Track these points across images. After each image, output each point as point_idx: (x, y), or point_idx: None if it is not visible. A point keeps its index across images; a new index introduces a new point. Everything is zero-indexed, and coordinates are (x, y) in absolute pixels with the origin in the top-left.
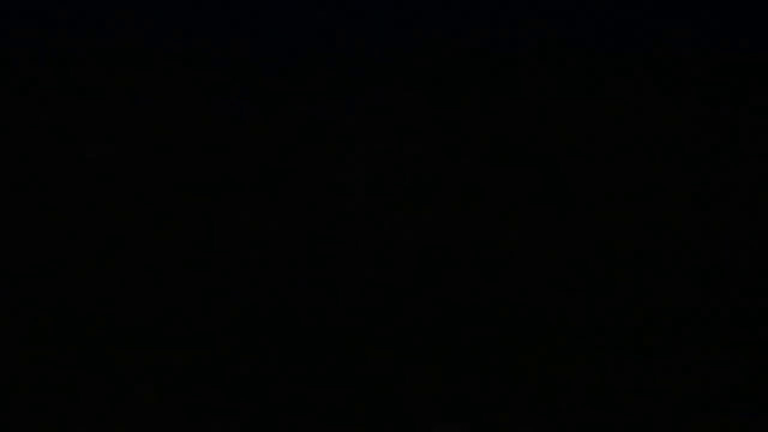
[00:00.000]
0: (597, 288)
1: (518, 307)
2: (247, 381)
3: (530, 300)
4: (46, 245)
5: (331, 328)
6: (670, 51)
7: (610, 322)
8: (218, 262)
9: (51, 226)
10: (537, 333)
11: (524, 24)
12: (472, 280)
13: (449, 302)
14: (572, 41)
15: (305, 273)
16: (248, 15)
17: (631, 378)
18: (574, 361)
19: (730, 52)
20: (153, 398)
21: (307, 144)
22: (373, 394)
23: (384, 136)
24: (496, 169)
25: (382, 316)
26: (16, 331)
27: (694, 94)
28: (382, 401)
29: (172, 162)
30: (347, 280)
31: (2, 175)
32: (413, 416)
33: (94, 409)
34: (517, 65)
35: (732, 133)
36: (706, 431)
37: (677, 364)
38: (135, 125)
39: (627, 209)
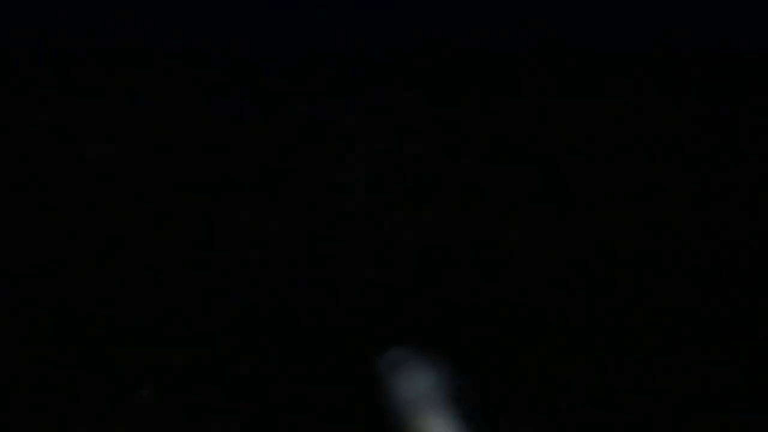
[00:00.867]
0: (597, 288)
1: (518, 307)
2: (247, 381)
3: (530, 300)
4: (46, 245)
5: (331, 328)
6: (670, 51)
7: (610, 322)
8: (218, 262)
9: (51, 226)
10: (537, 333)
11: (524, 24)
12: (472, 280)
13: (449, 302)
14: (572, 41)
15: (305, 273)
16: (248, 15)
17: (631, 378)
18: (574, 361)
19: (730, 52)
20: (153, 398)
21: (307, 144)
22: (373, 394)
23: (384, 136)
24: (496, 169)
25: (382, 316)
26: (16, 331)
27: (694, 94)
28: (382, 401)
29: (172, 162)
30: (347, 280)
31: (2, 175)
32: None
33: (94, 409)
34: (517, 65)
35: (732, 133)
36: (706, 431)
37: (677, 364)
38: (135, 125)
39: (627, 209)
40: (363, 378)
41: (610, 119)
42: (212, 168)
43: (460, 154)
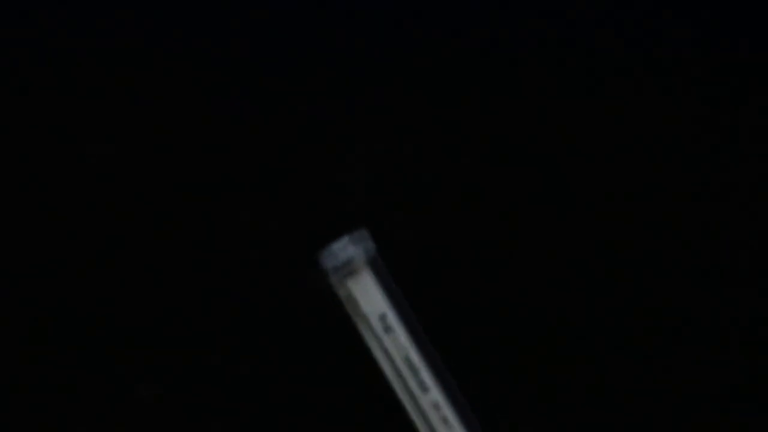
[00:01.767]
0: (597, 288)
1: (518, 307)
2: (247, 381)
3: (530, 300)
4: (46, 245)
5: (331, 328)
6: (670, 51)
7: (610, 322)
8: (218, 262)
9: (51, 226)
10: (537, 333)
11: (524, 24)
12: (472, 280)
13: (449, 302)
14: (572, 41)
15: (305, 273)
16: (248, 15)
17: (631, 378)
18: (574, 361)
19: (730, 52)
20: (153, 398)
21: (307, 144)
22: (373, 394)
23: (384, 136)
24: (496, 169)
25: None
26: (16, 331)
27: (694, 94)
28: (382, 401)
29: (172, 162)
30: None
31: (2, 175)
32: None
33: (94, 409)
34: (517, 65)
35: (732, 133)
36: (706, 431)
37: (677, 364)
38: (135, 125)
39: (627, 209)
40: (363, 378)
41: (610, 119)
42: (212, 168)
43: (460, 154)
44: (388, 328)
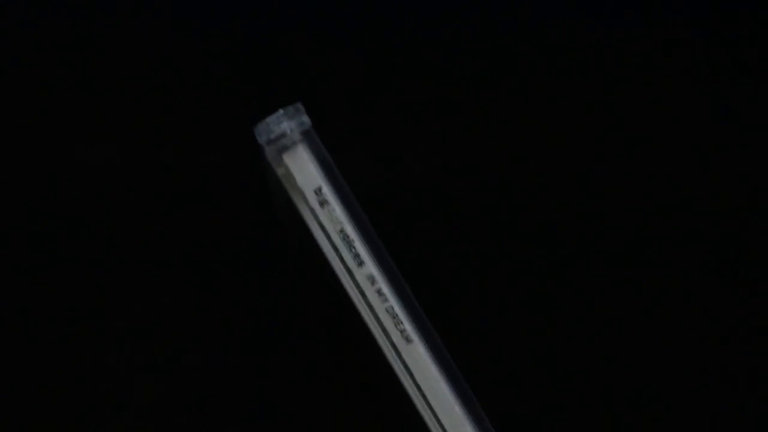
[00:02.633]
0: (597, 287)
1: (518, 307)
2: (246, 381)
3: (530, 300)
4: (46, 245)
5: (331, 328)
6: (669, 50)
7: (611, 323)
8: (218, 262)
9: (51, 226)
10: (537, 333)
11: (524, 24)
12: (472, 280)
13: (449, 302)
14: (572, 41)
15: (305, 273)
16: (248, 15)
17: (631, 378)
18: (574, 361)
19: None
20: (153, 398)
21: None
22: (373, 394)
23: (384, 136)
24: (496, 169)
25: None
26: (16, 331)
27: (695, 94)
28: (382, 401)
29: (172, 162)
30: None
31: (2, 175)
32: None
33: (94, 409)
34: (517, 65)
35: (732, 132)
36: (706, 431)
37: (676, 363)
38: (135, 125)
39: (627, 209)
40: (363, 378)
41: (611, 119)
42: (212, 168)
43: (462, 155)
44: (323, 202)
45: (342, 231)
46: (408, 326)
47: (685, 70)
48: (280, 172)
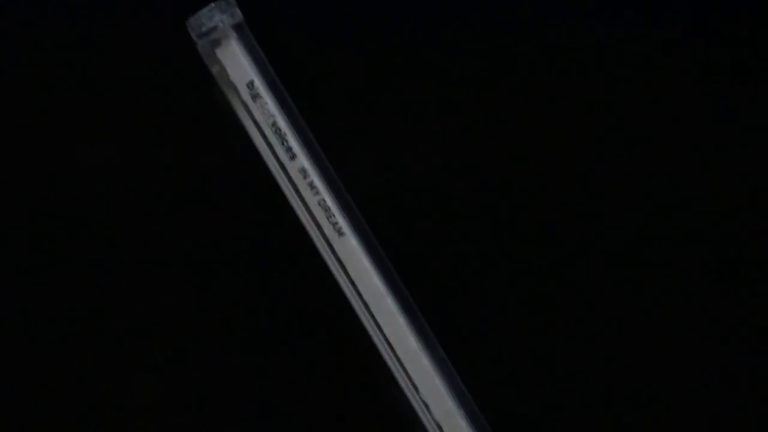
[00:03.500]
0: (597, 287)
1: (518, 307)
2: (246, 381)
3: (530, 299)
4: (46, 245)
5: (331, 328)
6: (669, 50)
7: (610, 323)
8: (218, 262)
9: (51, 226)
10: (537, 333)
11: (524, 24)
12: (471, 280)
13: (449, 302)
14: (572, 41)
15: (305, 273)
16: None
17: (631, 378)
18: (574, 361)
19: (730, 51)
20: (153, 398)
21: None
22: (373, 394)
23: (384, 136)
24: (496, 169)
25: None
26: (16, 331)
27: (695, 94)
28: (382, 401)
29: (172, 162)
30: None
31: (2, 175)
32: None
33: (94, 409)
34: (517, 65)
35: (732, 132)
36: (706, 430)
37: (676, 363)
38: (135, 125)
39: (627, 209)
40: (363, 377)
41: (610, 119)
42: (212, 168)
43: (462, 155)
44: (255, 96)
45: (274, 124)
46: (340, 219)
47: (685, 70)
48: (214, 70)
